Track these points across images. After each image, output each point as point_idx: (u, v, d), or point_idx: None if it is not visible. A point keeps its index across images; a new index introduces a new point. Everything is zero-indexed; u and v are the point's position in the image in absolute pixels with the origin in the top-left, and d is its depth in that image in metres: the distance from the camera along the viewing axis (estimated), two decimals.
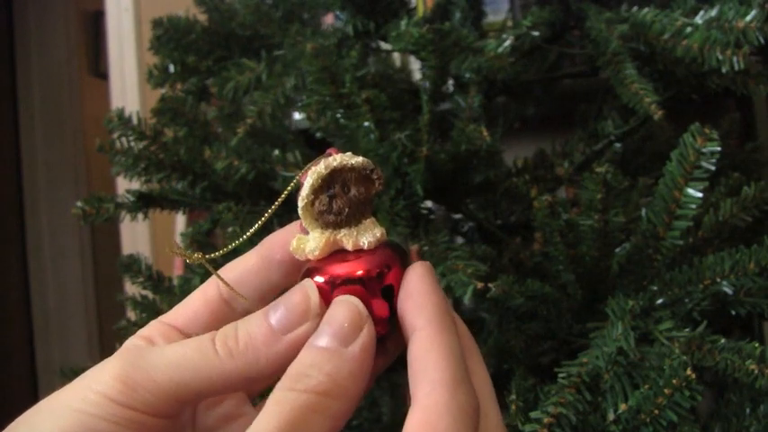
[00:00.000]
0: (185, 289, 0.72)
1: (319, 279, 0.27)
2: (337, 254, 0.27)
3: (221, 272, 0.29)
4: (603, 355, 0.51)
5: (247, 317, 0.26)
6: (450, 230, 0.79)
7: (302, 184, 0.27)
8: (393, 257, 0.27)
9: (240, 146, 0.70)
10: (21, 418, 0.25)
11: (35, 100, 2.56)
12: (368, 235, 0.27)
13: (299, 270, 0.28)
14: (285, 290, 0.29)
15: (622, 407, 0.49)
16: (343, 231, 0.27)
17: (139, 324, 0.77)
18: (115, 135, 0.73)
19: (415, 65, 1.05)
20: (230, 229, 0.66)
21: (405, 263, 0.28)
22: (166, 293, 0.78)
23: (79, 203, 0.73)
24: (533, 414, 0.49)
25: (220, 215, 0.67)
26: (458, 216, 0.80)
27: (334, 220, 0.27)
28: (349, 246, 0.27)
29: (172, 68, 0.83)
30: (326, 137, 0.74)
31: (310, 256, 0.27)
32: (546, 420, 0.48)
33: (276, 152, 0.69)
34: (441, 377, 0.24)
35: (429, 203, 0.69)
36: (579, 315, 0.58)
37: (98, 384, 0.24)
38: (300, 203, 0.27)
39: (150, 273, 0.81)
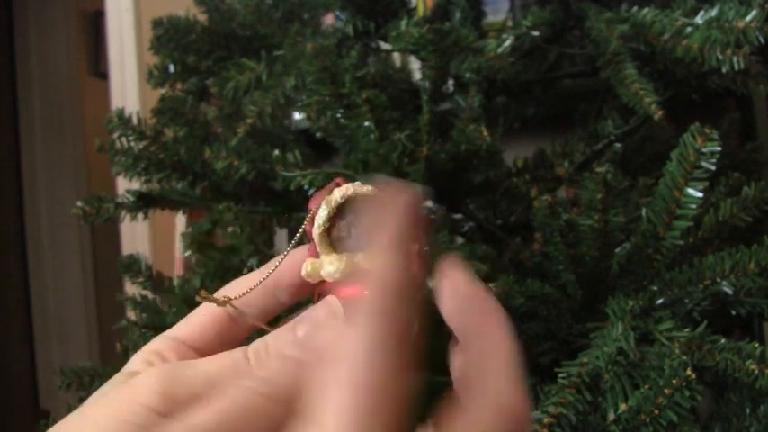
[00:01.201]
0: (185, 289, 0.72)
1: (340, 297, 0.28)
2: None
3: (225, 289, 0.30)
4: (603, 355, 0.51)
5: (275, 332, 0.28)
6: (450, 230, 0.79)
7: (310, 209, 0.29)
8: None
9: (240, 146, 0.70)
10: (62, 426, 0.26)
11: (35, 100, 2.56)
12: None
13: (303, 292, 0.30)
14: (290, 309, 0.30)
15: (622, 407, 0.49)
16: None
17: (139, 324, 0.77)
18: (115, 135, 0.73)
19: (415, 65, 1.05)
20: (230, 229, 0.66)
21: None
22: (166, 293, 0.78)
23: (79, 203, 0.73)
24: (533, 414, 0.49)
25: (220, 215, 0.67)
26: (458, 216, 0.80)
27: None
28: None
29: (172, 68, 0.83)
30: (326, 137, 0.74)
31: (329, 279, 0.28)
32: (546, 420, 0.48)
33: (276, 152, 0.69)
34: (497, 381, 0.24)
35: (429, 203, 0.69)
36: (579, 315, 0.58)
37: (141, 397, 0.25)
38: (317, 231, 0.29)
39: (150, 273, 0.81)
